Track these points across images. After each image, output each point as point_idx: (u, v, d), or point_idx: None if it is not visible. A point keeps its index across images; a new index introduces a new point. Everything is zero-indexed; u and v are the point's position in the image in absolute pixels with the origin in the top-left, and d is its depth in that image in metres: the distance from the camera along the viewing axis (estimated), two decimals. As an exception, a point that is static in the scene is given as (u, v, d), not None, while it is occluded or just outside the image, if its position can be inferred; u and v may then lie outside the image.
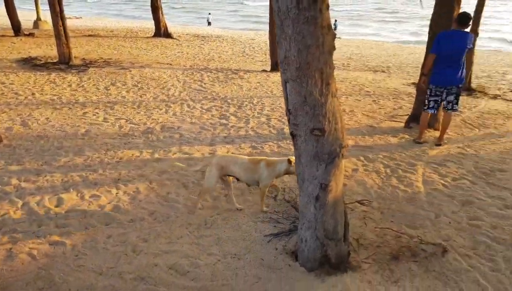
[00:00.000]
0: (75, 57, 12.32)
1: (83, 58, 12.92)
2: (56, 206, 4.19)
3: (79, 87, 9.38)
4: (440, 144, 5.97)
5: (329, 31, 2.84)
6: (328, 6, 2.78)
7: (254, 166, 3.96)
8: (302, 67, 2.86)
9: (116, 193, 4.47)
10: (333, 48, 2.94)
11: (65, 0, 12.02)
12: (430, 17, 6.65)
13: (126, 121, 6.99)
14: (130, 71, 11.17)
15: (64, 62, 11.77)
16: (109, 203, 4.25)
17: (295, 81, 2.92)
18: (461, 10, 6.09)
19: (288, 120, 3.11)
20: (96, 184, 4.69)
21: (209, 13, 38.62)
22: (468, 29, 5.75)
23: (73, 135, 6.31)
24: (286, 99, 3.06)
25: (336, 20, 24.22)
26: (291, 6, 2.67)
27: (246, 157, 4.11)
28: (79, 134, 6.34)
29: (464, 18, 5.58)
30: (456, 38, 5.57)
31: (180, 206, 4.22)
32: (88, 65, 11.83)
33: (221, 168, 3.98)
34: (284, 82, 3.02)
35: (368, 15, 50.71)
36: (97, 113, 7.44)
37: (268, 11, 12.57)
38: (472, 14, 5.79)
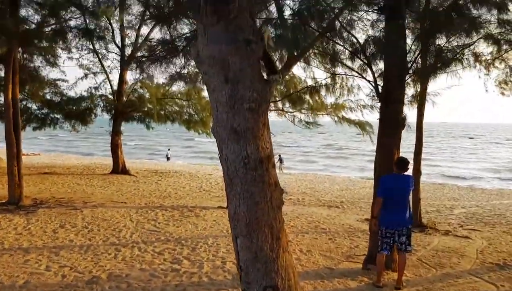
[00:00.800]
0: (26, 196, 11.90)
1: (35, 198, 12.49)
2: None
3: (25, 230, 8.84)
4: (399, 288, 5.85)
5: (276, 188, 2.94)
6: (274, 165, 2.93)
7: None
8: (251, 223, 2.86)
9: None
10: (282, 203, 3.01)
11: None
12: (373, 153, 7.13)
13: (71, 270, 6.47)
14: (82, 211, 10.79)
15: (13, 203, 11.27)
16: None
17: (245, 237, 2.89)
18: (401, 154, 6.60)
19: (240, 278, 2.99)
20: None
21: (169, 149, 39.98)
22: (410, 171, 6.16)
23: (9, 288, 5.71)
24: (237, 255, 2.98)
25: (280, 155, 25.76)
26: (239, 166, 2.78)
27: None
28: (16, 287, 5.74)
29: (402, 163, 6.02)
30: (398, 181, 5.91)
31: None
32: (39, 206, 11.39)
33: None
34: (235, 238, 2.99)
35: (317, 151, 54.32)
36: (40, 260, 6.89)
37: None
38: (412, 156, 6.33)
